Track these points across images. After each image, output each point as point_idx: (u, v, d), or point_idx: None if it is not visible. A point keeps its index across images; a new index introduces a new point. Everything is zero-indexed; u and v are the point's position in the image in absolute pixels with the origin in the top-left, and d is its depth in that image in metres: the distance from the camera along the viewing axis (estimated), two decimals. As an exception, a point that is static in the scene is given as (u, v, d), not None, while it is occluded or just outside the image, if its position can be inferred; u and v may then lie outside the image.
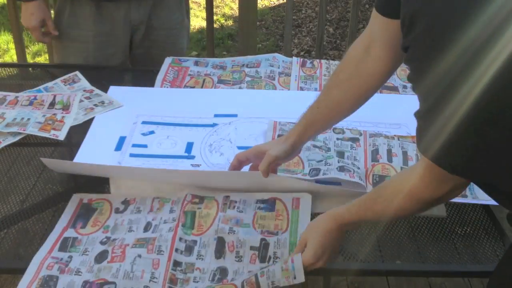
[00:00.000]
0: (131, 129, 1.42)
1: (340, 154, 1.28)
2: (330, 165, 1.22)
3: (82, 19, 1.71)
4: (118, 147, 1.35)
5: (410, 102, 1.54)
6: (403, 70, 1.71)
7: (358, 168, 1.24)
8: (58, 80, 1.61)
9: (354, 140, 1.34)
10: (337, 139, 1.33)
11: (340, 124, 1.23)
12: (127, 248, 1.05)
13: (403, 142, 1.33)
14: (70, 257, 1.04)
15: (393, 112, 1.51)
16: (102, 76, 1.70)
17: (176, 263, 1.02)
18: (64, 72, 1.66)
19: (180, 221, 1.10)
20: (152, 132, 1.41)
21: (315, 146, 1.30)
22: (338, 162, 1.24)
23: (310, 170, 1.22)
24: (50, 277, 0.99)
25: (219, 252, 1.05)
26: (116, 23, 1.73)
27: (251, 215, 1.12)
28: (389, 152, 1.30)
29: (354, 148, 1.31)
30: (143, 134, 1.40)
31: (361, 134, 1.36)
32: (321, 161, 1.24)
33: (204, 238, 1.07)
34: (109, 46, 1.76)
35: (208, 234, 1.08)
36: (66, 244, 1.07)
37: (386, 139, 1.34)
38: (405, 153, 1.30)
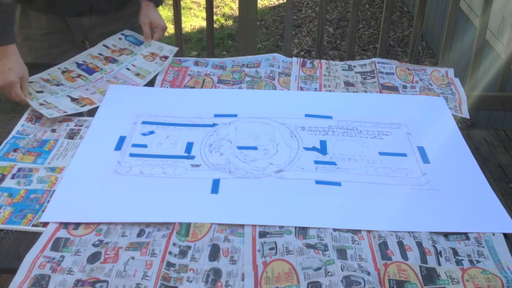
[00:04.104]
0: (131, 129, 1.42)
1: (341, 254, 1.06)
2: (332, 275, 1.01)
3: (34, 20, 1.72)
4: (118, 146, 1.35)
5: (410, 102, 1.59)
6: (402, 70, 1.71)
7: (369, 274, 1.02)
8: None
9: (355, 231, 1.13)
10: (334, 230, 1.13)
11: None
12: (120, 250, 1.05)
13: (415, 234, 1.12)
14: (62, 256, 1.04)
15: (393, 112, 1.52)
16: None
17: (170, 264, 1.02)
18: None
19: (175, 229, 1.10)
20: (152, 132, 1.41)
21: (308, 246, 1.07)
22: (342, 269, 1.02)
23: (308, 285, 0.99)
24: (42, 276, 1.00)
25: (213, 256, 1.05)
26: (67, 23, 1.75)
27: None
28: (400, 244, 1.09)
29: (356, 242, 1.10)
30: (143, 134, 1.40)
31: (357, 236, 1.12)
32: (320, 269, 1.02)
33: (199, 244, 1.07)
34: (62, 43, 1.78)
35: (202, 241, 1.08)
36: (58, 244, 1.07)
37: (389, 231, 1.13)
38: (419, 244, 1.09)
